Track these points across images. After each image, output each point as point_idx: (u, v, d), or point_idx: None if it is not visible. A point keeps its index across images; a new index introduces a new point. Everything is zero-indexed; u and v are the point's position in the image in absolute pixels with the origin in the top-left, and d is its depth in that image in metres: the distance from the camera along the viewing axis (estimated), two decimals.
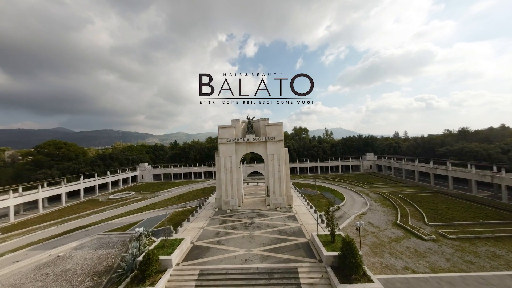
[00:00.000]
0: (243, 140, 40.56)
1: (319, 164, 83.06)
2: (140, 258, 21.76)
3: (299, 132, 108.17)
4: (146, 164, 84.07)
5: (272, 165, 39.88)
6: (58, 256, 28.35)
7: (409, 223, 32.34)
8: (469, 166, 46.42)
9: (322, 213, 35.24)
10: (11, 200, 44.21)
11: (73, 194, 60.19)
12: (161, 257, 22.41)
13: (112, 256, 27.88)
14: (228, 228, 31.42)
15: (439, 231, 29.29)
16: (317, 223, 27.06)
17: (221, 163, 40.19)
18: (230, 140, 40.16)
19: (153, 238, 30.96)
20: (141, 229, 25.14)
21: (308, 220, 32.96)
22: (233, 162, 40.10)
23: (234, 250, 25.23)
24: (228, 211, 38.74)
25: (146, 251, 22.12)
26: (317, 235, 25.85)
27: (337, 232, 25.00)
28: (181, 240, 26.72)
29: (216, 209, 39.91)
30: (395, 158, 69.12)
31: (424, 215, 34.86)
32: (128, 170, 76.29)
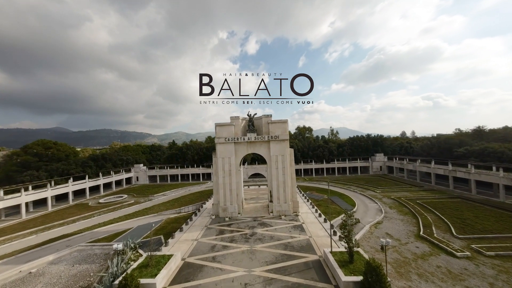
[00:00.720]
0: (243, 139, 36.41)
1: (325, 165, 78.68)
2: (117, 282, 17.82)
3: (303, 132, 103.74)
4: (142, 165, 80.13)
5: (276, 168, 35.69)
6: (30, 272, 24.58)
7: (435, 235, 28.01)
8: (494, 168, 41.91)
9: (333, 222, 31.09)
10: None
11: (62, 198, 56.38)
12: (142, 281, 18.45)
13: (91, 274, 23.94)
14: (226, 241, 27.33)
15: (473, 246, 24.97)
16: (331, 238, 22.83)
17: (219, 165, 36.07)
18: (228, 140, 36.04)
19: (140, 251, 26.98)
20: (120, 246, 21.11)
21: (318, 231, 28.74)
22: (232, 164, 35.97)
23: (232, 270, 21.19)
24: (227, 219, 34.62)
25: (125, 273, 18.22)
26: (331, 252, 21.71)
27: (355, 249, 20.84)
28: (169, 256, 22.71)
29: (213, 217, 35.81)
30: (407, 159, 64.56)
31: (450, 225, 30.49)
32: (122, 172, 72.33)
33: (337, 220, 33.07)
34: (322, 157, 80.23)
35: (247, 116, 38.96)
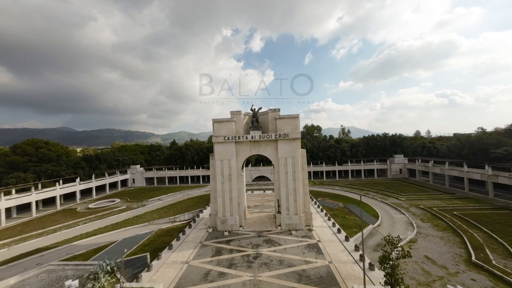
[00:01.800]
0: (246, 138, 30.65)
1: (337, 167, 71.98)
2: None
3: (311, 131, 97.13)
4: (138, 166, 75.36)
5: (285, 172, 29.79)
6: None
7: (493, 261, 21.62)
8: None
9: (355, 239, 25.00)
10: None
11: (50, 202, 51.92)
12: None
13: None
14: (223, 265, 21.68)
15: None
16: (364, 271, 16.77)
17: (217, 169, 30.45)
18: (228, 139, 30.38)
19: (119, 276, 21.59)
20: (76, 282, 15.76)
21: (339, 254, 22.68)
22: (233, 167, 30.30)
23: None
24: (226, 233, 28.97)
25: None
26: None
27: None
28: None
29: (210, 230, 30.20)
30: (433, 162, 57.20)
31: (509, 247, 23.93)
32: (117, 173, 67.63)
33: (359, 237, 26.95)
34: (333, 159, 73.34)
35: (250, 111, 33.13)
